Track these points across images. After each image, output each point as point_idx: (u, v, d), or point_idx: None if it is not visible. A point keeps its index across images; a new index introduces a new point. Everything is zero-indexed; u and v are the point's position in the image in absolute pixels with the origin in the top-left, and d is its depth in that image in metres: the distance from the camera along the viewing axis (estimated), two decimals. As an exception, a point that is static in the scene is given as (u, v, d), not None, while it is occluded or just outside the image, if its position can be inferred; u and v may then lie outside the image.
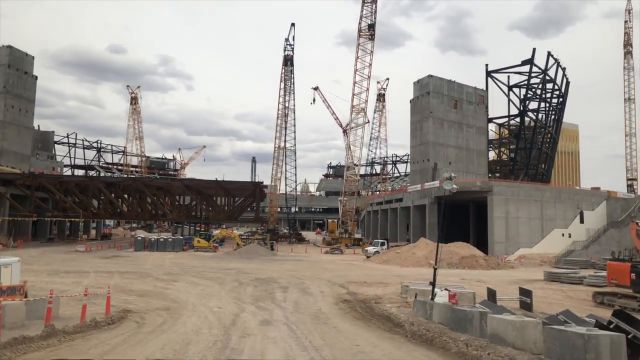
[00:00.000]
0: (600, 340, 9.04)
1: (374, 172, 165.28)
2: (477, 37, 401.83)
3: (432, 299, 21.25)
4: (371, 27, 71.53)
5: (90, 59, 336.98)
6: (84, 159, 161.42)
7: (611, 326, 14.44)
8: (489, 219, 62.71)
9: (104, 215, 74.11)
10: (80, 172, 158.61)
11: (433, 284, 22.72)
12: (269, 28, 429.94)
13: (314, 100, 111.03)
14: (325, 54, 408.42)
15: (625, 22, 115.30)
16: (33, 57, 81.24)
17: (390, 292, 29.62)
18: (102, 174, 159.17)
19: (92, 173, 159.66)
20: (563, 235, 65.42)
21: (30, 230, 74.21)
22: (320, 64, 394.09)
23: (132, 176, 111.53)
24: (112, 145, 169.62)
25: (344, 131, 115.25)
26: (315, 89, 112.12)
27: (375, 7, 70.30)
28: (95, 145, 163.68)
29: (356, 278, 37.11)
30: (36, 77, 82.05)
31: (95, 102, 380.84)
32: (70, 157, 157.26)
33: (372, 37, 72.03)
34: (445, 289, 22.97)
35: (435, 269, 23.14)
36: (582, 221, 67.20)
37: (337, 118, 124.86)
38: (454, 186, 24.12)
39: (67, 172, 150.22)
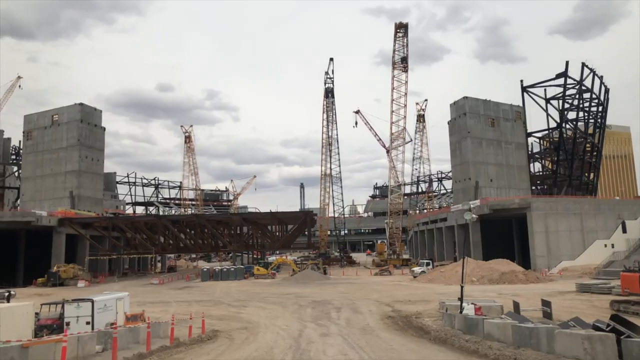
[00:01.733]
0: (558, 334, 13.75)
1: (420, 190, 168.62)
2: (516, 44, 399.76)
3: (461, 312, 25.99)
4: (404, 60, 77.12)
5: (140, 99, 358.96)
6: (144, 196, 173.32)
7: (608, 328, 18.83)
8: (529, 234, 65.95)
9: (171, 250, 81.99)
10: (140, 209, 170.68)
11: (461, 299, 27.36)
12: (309, 52, 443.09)
13: (356, 123, 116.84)
14: (364, 74, 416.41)
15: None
16: (101, 111, 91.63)
17: (431, 308, 34.15)
18: (161, 209, 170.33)
19: (151, 209, 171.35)
20: (605, 246, 67.52)
21: (107, 266, 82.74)
22: (360, 84, 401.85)
23: (194, 212, 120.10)
24: (168, 182, 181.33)
25: (387, 151, 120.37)
26: (357, 112, 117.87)
27: (407, 40, 76.01)
28: (153, 182, 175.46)
29: (402, 297, 41.90)
30: (104, 129, 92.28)
31: (147, 139, 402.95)
32: (131, 195, 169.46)
33: (405, 69, 77.58)
34: (472, 303, 27.54)
35: (462, 287, 27.78)
36: (624, 231, 68.96)
37: (380, 139, 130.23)
38: (474, 216, 29.09)
39: (129, 209, 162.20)
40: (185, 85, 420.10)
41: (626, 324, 20.79)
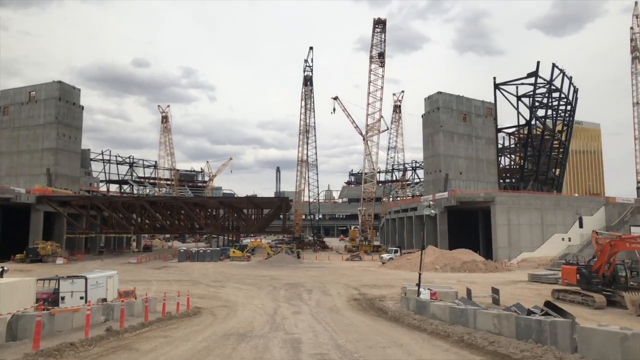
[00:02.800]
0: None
1: (394, 178, 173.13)
2: (495, 37, 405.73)
3: (418, 296, 29.71)
4: (381, 55, 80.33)
5: (115, 74, 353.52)
6: (118, 174, 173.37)
7: (541, 313, 22.68)
8: (492, 226, 70.57)
9: (148, 230, 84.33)
10: (114, 187, 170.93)
11: (418, 284, 31.04)
12: (289, 35, 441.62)
13: (334, 109, 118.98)
14: (344, 60, 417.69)
15: (631, 28, 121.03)
16: (80, 90, 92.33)
17: (394, 292, 37.90)
18: (135, 188, 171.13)
19: (126, 187, 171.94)
20: (563, 239, 72.68)
21: (84, 245, 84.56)
22: (340, 70, 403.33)
23: (170, 194, 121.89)
24: (143, 160, 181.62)
25: (364, 138, 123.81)
26: (335, 98, 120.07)
27: (384, 36, 79.12)
28: (127, 160, 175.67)
29: (369, 282, 45.70)
30: (82, 107, 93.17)
31: (121, 115, 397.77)
32: (105, 173, 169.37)
33: (382, 64, 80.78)
34: (428, 289, 31.28)
35: (420, 274, 31.43)
36: (581, 226, 74.18)
37: (357, 126, 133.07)
38: (432, 212, 32.61)
39: (103, 186, 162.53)
40: (162, 61, 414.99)
41: (556, 309, 24.95)
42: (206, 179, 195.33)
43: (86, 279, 28.54)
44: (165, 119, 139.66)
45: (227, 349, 13.58)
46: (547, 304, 29.12)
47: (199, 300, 32.23)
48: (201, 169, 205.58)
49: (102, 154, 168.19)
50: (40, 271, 51.19)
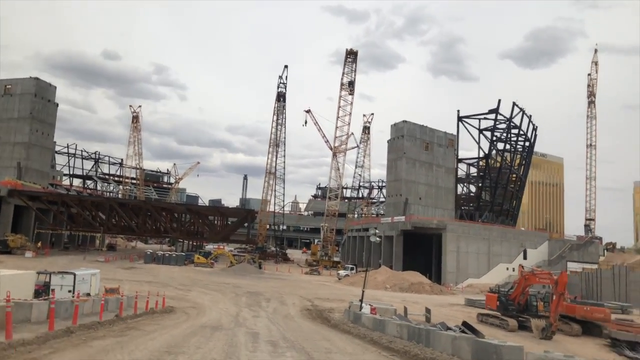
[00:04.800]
0: (436, 334, 23.33)
1: (360, 195, 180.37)
2: (469, 63, 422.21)
3: (360, 310, 36.02)
4: (351, 83, 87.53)
5: (82, 64, 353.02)
6: (82, 169, 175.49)
7: (458, 330, 29.20)
8: (442, 252, 78.01)
9: (116, 230, 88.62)
10: (78, 181, 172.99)
11: (361, 300, 37.35)
12: (265, 44, 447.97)
13: (305, 122, 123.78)
14: (319, 72, 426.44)
15: (589, 74, 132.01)
16: (55, 87, 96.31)
17: (343, 306, 43.95)
18: (99, 184, 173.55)
19: (89, 182, 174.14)
20: (507, 269, 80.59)
21: (49, 240, 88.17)
22: (315, 81, 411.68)
23: (141, 199, 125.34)
24: (109, 157, 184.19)
25: (333, 154, 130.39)
26: (308, 111, 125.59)
27: (355, 66, 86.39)
28: (93, 156, 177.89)
29: (323, 295, 51.91)
30: (57, 105, 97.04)
31: (86, 106, 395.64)
32: (69, 167, 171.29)
33: (351, 92, 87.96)
34: (369, 304, 37.63)
35: (363, 291, 37.85)
36: (525, 257, 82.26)
37: (327, 140, 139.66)
38: (377, 239, 39.13)
39: (66, 180, 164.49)
40: (133, 55, 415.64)
41: (470, 328, 31.89)
42: (172, 180, 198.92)
43: (75, 275, 33.83)
44: (135, 118, 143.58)
45: (206, 334, 19.40)
46: (464, 323, 36.09)
47: (170, 301, 37.71)
48: (167, 170, 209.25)
49: (67, 147, 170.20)
50: (11, 263, 55.49)
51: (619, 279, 67.25)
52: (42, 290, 32.30)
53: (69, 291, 32.77)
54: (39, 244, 76.05)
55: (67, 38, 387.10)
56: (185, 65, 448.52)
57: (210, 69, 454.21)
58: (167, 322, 24.09)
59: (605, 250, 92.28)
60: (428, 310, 40.49)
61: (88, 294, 34.21)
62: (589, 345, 36.98)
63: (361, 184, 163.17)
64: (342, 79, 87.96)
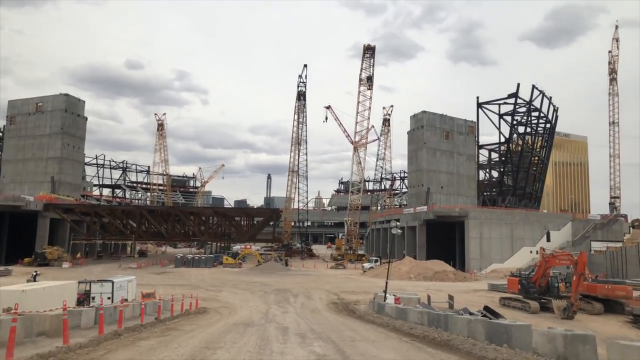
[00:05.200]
0: (453, 318, 24.69)
1: (383, 187, 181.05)
2: (488, 47, 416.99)
3: (384, 301, 37.33)
4: (369, 79, 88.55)
5: (107, 75, 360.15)
6: (111, 178, 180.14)
7: (480, 314, 30.38)
8: (465, 239, 78.63)
9: (147, 236, 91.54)
10: (107, 191, 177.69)
11: (385, 291, 38.69)
12: (284, 42, 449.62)
13: (326, 118, 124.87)
14: (338, 67, 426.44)
15: (610, 51, 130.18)
16: (84, 102, 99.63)
17: (368, 298, 45.33)
18: (128, 192, 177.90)
19: (118, 192, 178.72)
20: (531, 252, 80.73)
21: (83, 250, 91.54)
22: (334, 76, 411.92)
23: (164, 201, 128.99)
24: (136, 165, 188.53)
25: (354, 148, 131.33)
26: (328, 107, 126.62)
27: (373, 61, 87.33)
28: (121, 165, 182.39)
29: (349, 289, 53.35)
30: (86, 118, 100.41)
31: (112, 116, 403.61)
32: (98, 177, 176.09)
33: (370, 87, 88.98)
34: (393, 295, 38.92)
35: (386, 282, 39.18)
36: (548, 240, 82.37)
37: (348, 135, 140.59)
38: (399, 231, 40.31)
39: (96, 191, 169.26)
40: (155, 63, 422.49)
41: (492, 312, 32.95)
42: (198, 184, 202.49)
43: (113, 282, 35.91)
44: (161, 126, 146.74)
45: (240, 330, 21.00)
46: (486, 308, 37.10)
47: (202, 302, 39.60)
48: (193, 174, 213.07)
49: (96, 158, 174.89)
50: (50, 274, 58.26)
51: (644, 256, 66.99)
52: (83, 299, 34.46)
53: (108, 298, 34.83)
54: (78, 255, 79.24)
55: (91, 51, 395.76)
56: (206, 70, 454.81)
57: (230, 71, 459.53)
58: (202, 321, 25.80)
59: (631, 228, 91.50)
60: (451, 297, 41.63)
61: (126, 300, 36.29)
62: (611, 323, 37.63)
63: (383, 176, 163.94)
64: (360, 74, 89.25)
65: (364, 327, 23.47)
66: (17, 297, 23.97)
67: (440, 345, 16.05)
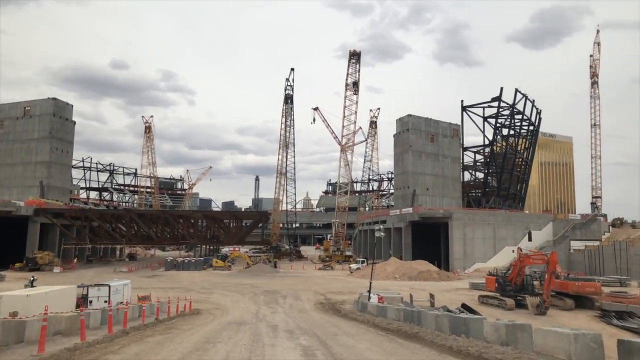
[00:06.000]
0: (424, 314, 27.29)
1: (371, 188, 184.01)
2: (475, 48, 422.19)
3: (369, 300, 39.83)
4: (355, 84, 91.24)
5: (91, 75, 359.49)
6: (98, 181, 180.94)
7: (458, 311, 32.98)
8: (449, 239, 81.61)
9: (137, 240, 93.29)
10: (94, 194, 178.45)
11: (369, 291, 41.20)
12: (271, 42, 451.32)
13: (314, 120, 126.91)
14: (325, 67, 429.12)
15: (591, 55, 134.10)
16: (72, 106, 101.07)
17: (354, 297, 47.86)
18: (115, 195, 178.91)
19: (105, 194, 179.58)
20: (513, 251, 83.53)
21: (73, 253, 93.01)
22: (321, 76, 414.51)
23: (159, 209, 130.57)
24: (123, 168, 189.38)
25: (342, 149, 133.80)
26: (315, 109, 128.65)
27: (359, 67, 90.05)
28: (108, 168, 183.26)
29: (336, 289, 55.85)
30: (74, 122, 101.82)
31: (97, 117, 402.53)
32: (85, 180, 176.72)
33: (356, 92, 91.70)
34: (377, 294, 41.44)
35: (370, 282, 41.68)
36: (530, 239, 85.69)
37: (336, 136, 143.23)
38: (382, 234, 42.90)
39: (83, 193, 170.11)
40: (141, 64, 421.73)
41: (469, 309, 35.67)
42: (185, 187, 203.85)
43: (109, 286, 37.98)
44: (148, 129, 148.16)
45: (234, 328, 23.34)
46: (463, 305, 39.96)
47: (195, 304, 41.83)
48: (180, 176, 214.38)
49: (82, 161, 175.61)
50: (41, 279, 59.85)
51: (619, 254, 70.43)
52: (80, 302, 36.51)
53: (105, 301, 36.88)
54: (75, 260, 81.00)
55: (75, 51, 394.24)
56: (192, 70, 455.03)
57: (217, 72, 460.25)
58: (198, 321, 28.11)
59: (611, 227, 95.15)
60: (432, 296, 44.36)
61: (121, 303, 38.40)
62: (581, 317, 40.59)
63: (370, 177, 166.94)
64: (346, 79, 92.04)
65: (346, 324, 25.96)
66: (22, 302, 26.04)
67: (410, 337, 18.58)
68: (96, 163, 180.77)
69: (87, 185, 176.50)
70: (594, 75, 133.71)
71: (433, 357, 14.35)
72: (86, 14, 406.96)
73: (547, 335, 12.55)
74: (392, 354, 15.06)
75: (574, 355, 11.30)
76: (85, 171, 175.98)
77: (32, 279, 44.29)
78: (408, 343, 17.30)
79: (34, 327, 16.12)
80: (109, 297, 37.22)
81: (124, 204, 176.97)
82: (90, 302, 36.72)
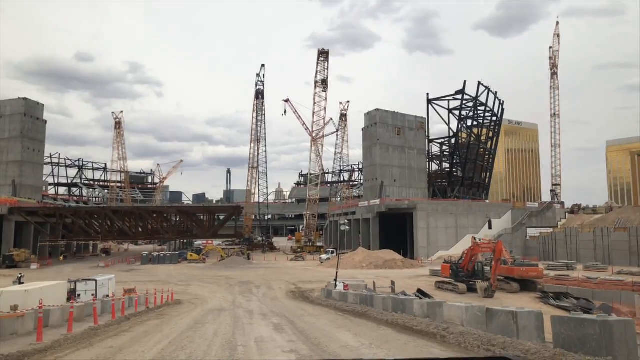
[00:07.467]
0: (375, 298, 32.24)
1: (342, 179, 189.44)
2: (444, 37, 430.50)
3: (335, 288, 44.63)
4: (324, 81, 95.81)
5: (55, 68, 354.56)
6: (67, 177, 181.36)
7: (414, 296, 37.96)
8: (414, 229, 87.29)
9: (112, 236, 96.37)
10: (63, 190, 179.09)
11: (335, 279, 45.97)
12: (240, 33, 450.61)
13: (285, 111, 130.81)
14: (296, 57, 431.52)
15: (550, 47, 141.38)
16: (43, 105, 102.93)
17: (322, 286, 52.63)
18: (85, 191, 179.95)
19: (74, 190, 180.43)
20: (474, 239, 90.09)
21: (47, 250, 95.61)
22: (292, 66, 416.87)
23: (133, 205, 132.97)
24: (92, 163, 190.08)
25: (313, 140, 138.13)
26: (287, 101, 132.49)
27: (328, 65, 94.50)
28: (77, 163, 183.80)
29: (306, 279, 60.63)
30: (45, 122, 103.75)
31: (62, 111, 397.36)
32: (53, 176, 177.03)
33: (325, 89, 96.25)
34: (342, 282, 46.26)
35: (336, 272, 46.48)
36: (490, 227, 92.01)
37: (307, 128, 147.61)
38: (347, 227, 47.71)
39: (52, 189, 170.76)
40: (106, 56, 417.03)
41: (423, 294, 40.85)
42: (156, 180, 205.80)
43: (96, 281, 41.87)
44: (118, 124, 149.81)
45: (215, 314, 27.81)
46: (419, 290, 45.17)
47: (175, 296, 46.05)
48: (151, 170, 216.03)
49: (50, 157, 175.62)
50: (25, 276, 63.12)
51: (570, 239, 76.98)
52: (70, 296, 40.32)
53: (92, 295, 40.78)
54: (61, 257, 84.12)
55: (38, 43, 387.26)
56: (160, 62, 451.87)
57: (185, 63, 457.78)
58: (183, 309, 32.50)
59: (567, 213, 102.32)
60: (393, 283, 49.51)
61: (107, 296, 42.34)
62: (524, 299, 46.26)
63: (342, 168, 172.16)
64: (315, 77, 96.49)
65: (312, 308, 30.75)
66: (21, 296, 29.90)
67: (361, 315, 23.44)
68: (64, 159, 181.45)
69: (56, 182, 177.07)
70: (553, 66, 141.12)
71: (372, 328, 19.16)
72: (47, 6, 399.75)
73: (451, 308, 17.52)
74: (343, 327, 19.84)
75: (465, 321, 16.22)
76: (54, 167, 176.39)
77: (19, 275, 47.66)
78: (358, 320, 22.14)
79: (56, 315, 20.33)
80: (96, 290, 41.14)
81: (94, 199, 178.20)
82: (79, 295, 40.46)
